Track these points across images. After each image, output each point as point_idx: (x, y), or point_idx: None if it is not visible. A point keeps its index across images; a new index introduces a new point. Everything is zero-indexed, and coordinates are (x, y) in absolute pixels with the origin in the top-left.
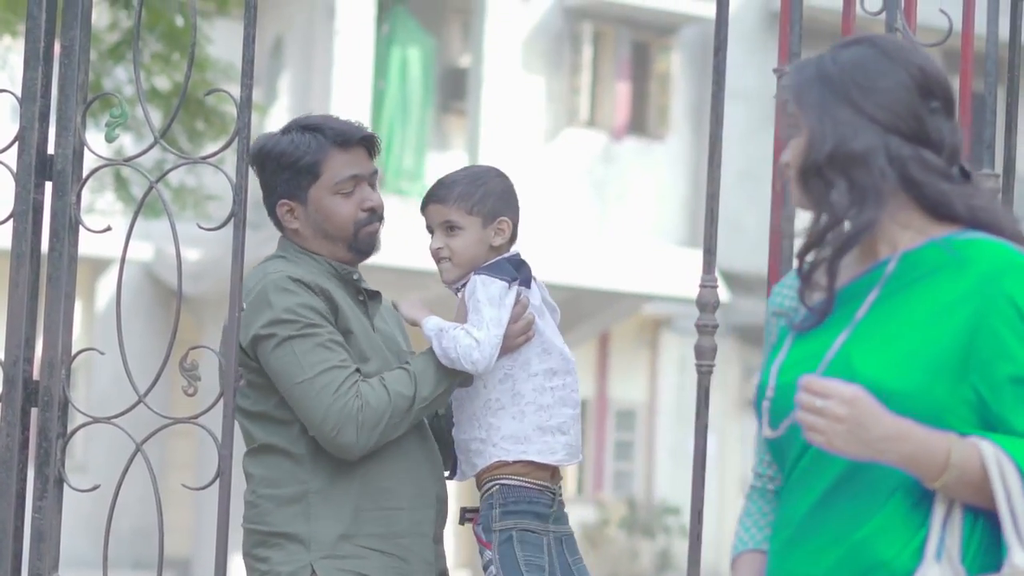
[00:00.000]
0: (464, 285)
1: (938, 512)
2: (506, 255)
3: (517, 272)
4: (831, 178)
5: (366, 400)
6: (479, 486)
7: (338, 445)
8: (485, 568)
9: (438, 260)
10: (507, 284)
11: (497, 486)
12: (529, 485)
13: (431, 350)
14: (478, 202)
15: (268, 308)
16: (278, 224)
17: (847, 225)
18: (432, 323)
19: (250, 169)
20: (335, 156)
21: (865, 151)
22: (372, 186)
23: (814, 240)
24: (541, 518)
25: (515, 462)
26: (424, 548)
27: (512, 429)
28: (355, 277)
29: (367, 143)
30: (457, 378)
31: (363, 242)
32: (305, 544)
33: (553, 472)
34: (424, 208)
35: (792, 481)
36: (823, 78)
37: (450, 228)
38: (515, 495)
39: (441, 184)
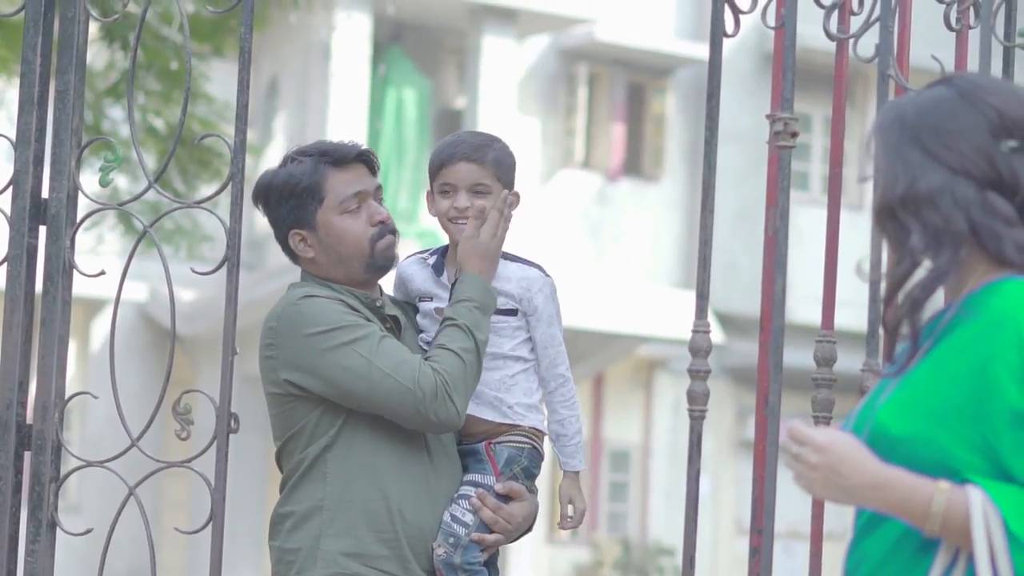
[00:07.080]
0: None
1: (940, 559)
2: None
3: None
4: (905, 220)
5: (444, 370)
6: (491, 435)
7: (443, 421)
8: (467, 469)
9: (458, 219)
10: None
11: (530, 446)
12: (542, 455)
13: (459, 300)
14: (507, 170)
15: (311, 323)
16: (292, 256)
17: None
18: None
19: (245, 211)
20: (334, 176)
21: (931, 193)
22: (378, 201)
23: (895, 284)
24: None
25: (529, 428)
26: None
27: (529, 399)
28: (379, 304)
29: (365, 159)
30: (490, 312)
31: (380, 257)
32: (313, 560)
33: None
34: (450, 164)
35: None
36: (900, 119)
37: (481, 191)
38: (536, 462)
39: (473, 145)
